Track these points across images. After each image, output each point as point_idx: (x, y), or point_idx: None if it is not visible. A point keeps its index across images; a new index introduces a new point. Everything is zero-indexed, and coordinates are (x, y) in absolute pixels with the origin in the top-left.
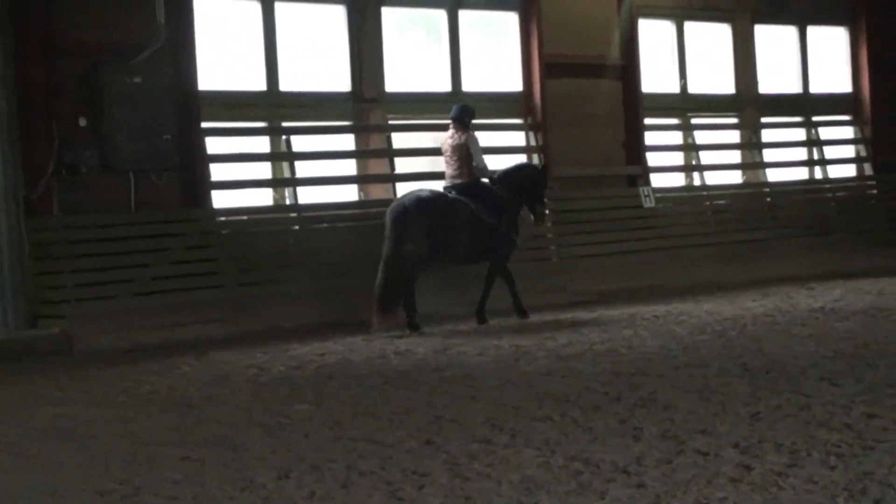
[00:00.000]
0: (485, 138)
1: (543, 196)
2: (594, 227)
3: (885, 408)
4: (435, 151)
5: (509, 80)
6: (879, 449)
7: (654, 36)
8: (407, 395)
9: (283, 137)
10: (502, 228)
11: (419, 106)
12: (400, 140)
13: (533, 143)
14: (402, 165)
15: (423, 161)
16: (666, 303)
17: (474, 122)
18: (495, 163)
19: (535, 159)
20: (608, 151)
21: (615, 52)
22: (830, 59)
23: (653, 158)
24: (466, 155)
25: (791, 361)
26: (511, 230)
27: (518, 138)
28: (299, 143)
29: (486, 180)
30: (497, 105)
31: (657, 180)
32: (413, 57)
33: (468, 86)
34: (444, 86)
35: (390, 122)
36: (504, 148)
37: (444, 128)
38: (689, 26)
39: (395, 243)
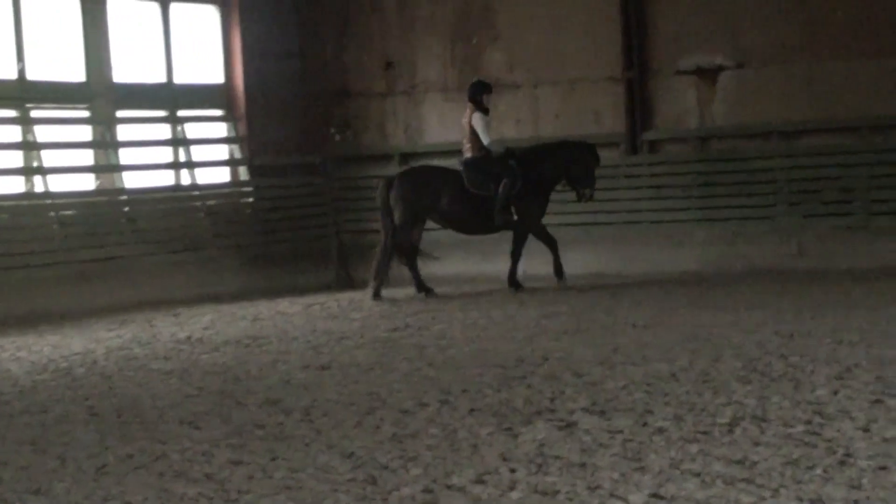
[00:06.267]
0: None
1: (587, 175)
2: None
3: (252, 453)
4: None
5: None
6: (243, 501)
7: None
8: None
9: None
10: (500, 203)
11: None
12: None
13: None
14: None
15: None
16: (1, 336)
17: None
18: None
19: None
20: None
21: None
22: (200, 43)
23: None
24: (474, 131)
25: (148, 402)
26: (518, 206)
27: None
28: None
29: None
30: None
31: None
32: None
33: None
34: None
35: None
36: None
37: None
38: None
39: (382, 214)
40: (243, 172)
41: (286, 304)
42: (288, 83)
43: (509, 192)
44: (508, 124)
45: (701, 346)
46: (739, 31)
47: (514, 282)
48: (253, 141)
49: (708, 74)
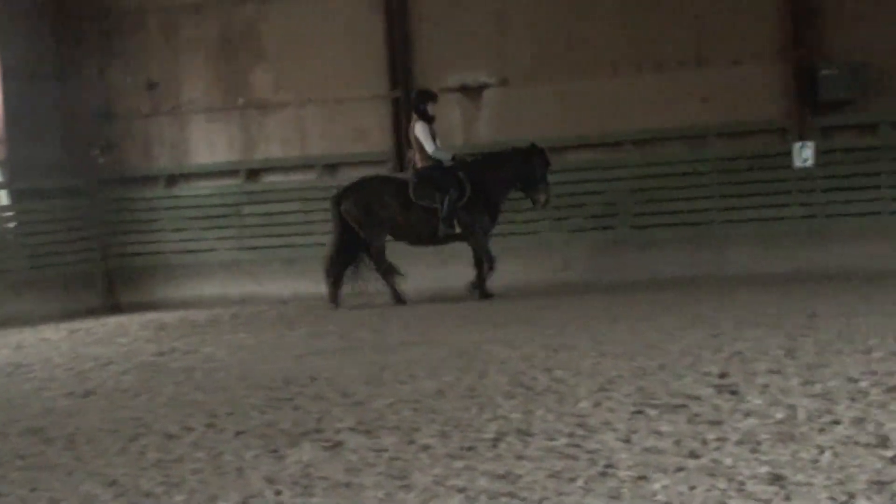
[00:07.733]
0: None
1: (539, 180)
2: None
3: (12, 483)
4: None
5: None
6: None
7: None
8: None
9: None
10: (444, 215)
11: None
12: None
13: None
14: None
15: None
16: None
17: None
18: None
19: None
20: None
21: None
22: None
23: None
24: (419, 141)
25: None
26: (463, 218)
27: None
28: None
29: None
30: None
31: None
32: None
33: None
34: None
35: None
36: None
37: None
38: None
39: (333, 227)
40: (4, 196)
41: (51, 331)
42: (49, 104)
43: (454, 204)
44: (275, 145)
45: (468, 362)
46: (503, 49)
47: (483, 291)
48: (13, 164)
49: (472, 92)
